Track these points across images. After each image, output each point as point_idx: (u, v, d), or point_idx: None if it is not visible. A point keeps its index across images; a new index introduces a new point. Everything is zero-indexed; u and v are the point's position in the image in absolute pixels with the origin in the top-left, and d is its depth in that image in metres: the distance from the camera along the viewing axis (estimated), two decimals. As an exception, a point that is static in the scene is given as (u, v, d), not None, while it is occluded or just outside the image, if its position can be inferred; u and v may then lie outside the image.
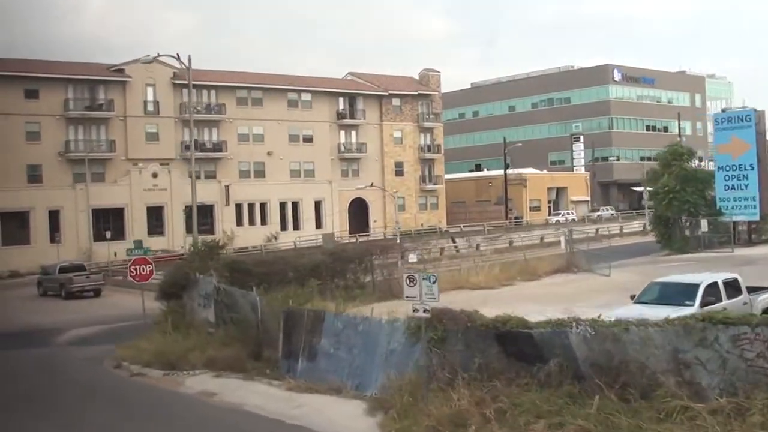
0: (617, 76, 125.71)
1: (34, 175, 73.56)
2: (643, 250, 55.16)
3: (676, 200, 51.71)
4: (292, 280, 31.10)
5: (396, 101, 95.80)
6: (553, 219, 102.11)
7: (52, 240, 71.01)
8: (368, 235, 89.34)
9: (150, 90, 78.34)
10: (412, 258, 36.99)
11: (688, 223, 52.30)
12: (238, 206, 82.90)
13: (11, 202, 70.94)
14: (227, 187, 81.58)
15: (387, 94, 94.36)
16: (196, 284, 29.15)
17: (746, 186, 51.37)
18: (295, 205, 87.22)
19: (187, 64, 39.07)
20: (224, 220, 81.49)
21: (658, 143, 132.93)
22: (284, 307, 24.02)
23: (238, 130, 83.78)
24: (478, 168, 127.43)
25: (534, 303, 28.76)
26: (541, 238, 71.59)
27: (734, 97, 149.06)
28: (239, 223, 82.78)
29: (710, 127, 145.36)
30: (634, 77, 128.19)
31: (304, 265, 32.50)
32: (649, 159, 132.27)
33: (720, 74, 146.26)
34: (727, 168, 52.13)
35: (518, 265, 42.69)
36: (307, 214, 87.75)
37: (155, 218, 78.23)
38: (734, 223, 51.63)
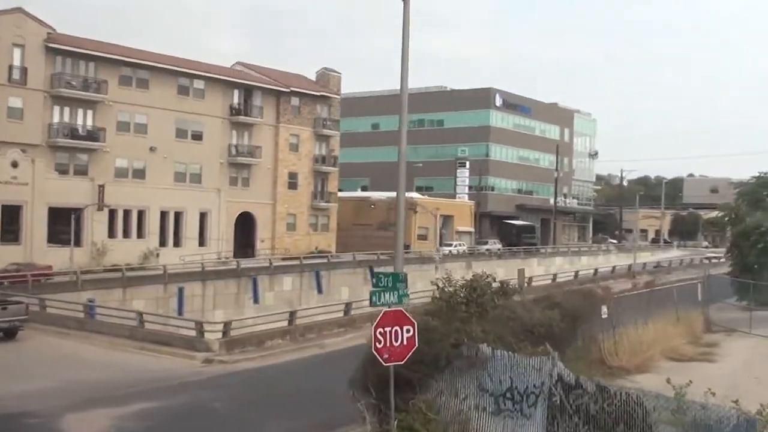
0: (498, 101, 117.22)
1: None
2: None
3: (774, 245, 41.44)
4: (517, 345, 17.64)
5: (295, 100, 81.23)
6: (445, 250, 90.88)
7: None
8: (254, 257, 74.63)
9: (17, 52, 59.49)
10: (604, 312, 24.48)
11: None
12: (112, 212, 65.52)
13: None
14: (101, 188, 64.04)
15: (288, 90, 79.70)
16: (476, 364, 14.44)
17: None
18: (177, 215, 70.60)
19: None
20: (94, 228, 63.96)
21: (530, 176, 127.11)
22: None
23: (118, 116, 66.51)
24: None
25: None
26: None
27: (596, 135, 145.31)
28: (112, 233, 65.41)
29: (574, 163, 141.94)
30: (512, 104, 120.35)
31: (537, 324, 18.91)
32: (521, 192, 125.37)
33: (584, 110, 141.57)
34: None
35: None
36: (191, 227, 71.39)
37: (9, 221, 59.51)
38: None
